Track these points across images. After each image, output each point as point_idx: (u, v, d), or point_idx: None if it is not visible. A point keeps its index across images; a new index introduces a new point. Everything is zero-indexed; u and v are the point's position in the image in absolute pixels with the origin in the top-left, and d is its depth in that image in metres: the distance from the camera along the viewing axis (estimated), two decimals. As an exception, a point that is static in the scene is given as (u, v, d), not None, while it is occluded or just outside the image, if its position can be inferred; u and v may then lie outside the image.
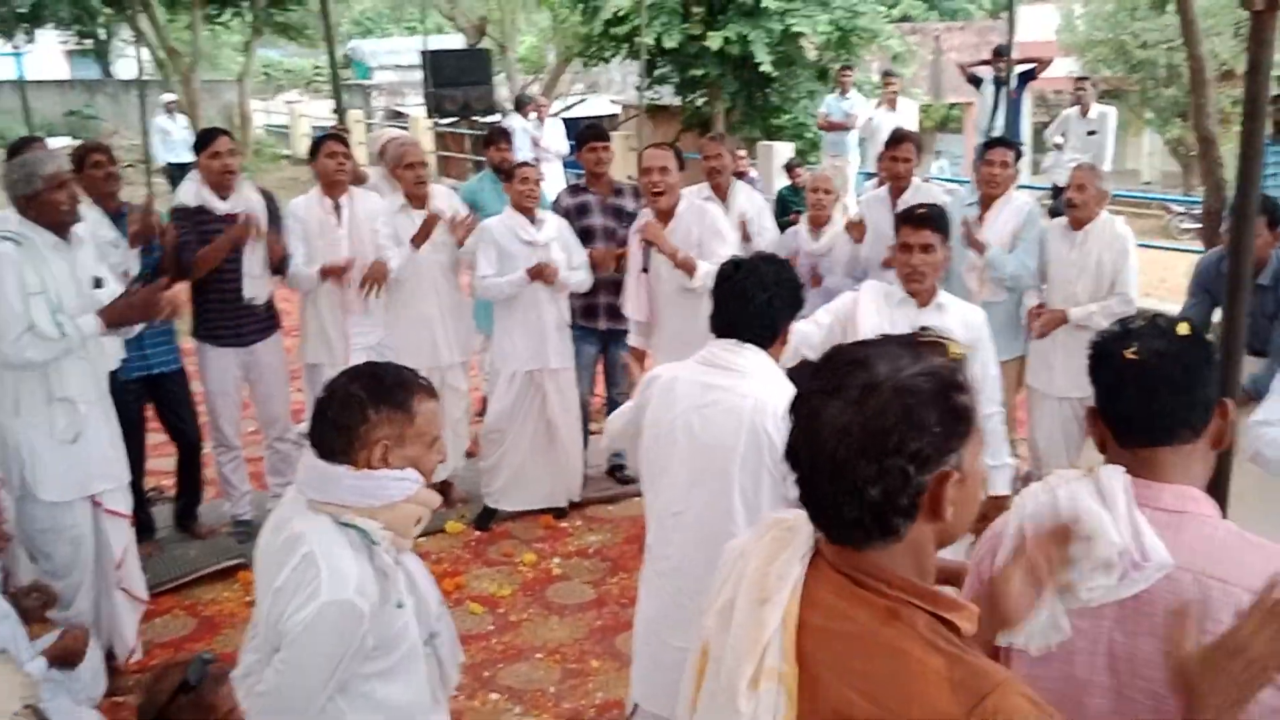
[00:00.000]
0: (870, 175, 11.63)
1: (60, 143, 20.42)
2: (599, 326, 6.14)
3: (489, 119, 17.03)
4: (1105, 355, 1.86)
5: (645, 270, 4.82)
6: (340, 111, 7.42)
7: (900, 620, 1.41)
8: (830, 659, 1.43)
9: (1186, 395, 1.81)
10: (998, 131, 10.39)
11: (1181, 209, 17.11)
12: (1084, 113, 10.81)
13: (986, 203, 5.50)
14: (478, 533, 5.82)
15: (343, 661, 2.16)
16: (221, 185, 5.28)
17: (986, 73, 10.76)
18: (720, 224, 5.01)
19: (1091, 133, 10.72)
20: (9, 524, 3.97)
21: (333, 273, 5.37)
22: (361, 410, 2.19)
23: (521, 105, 14.09)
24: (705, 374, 2.92)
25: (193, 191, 5.31)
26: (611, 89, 23.86)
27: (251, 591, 5.08)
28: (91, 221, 4.63)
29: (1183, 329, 1.83)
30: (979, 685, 1.36)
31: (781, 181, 10.89)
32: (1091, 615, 1.80)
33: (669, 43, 14.58)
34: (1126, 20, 20.96)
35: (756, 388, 2.82)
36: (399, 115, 24.07)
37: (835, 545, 1.48)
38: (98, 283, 4.12)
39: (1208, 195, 8.50)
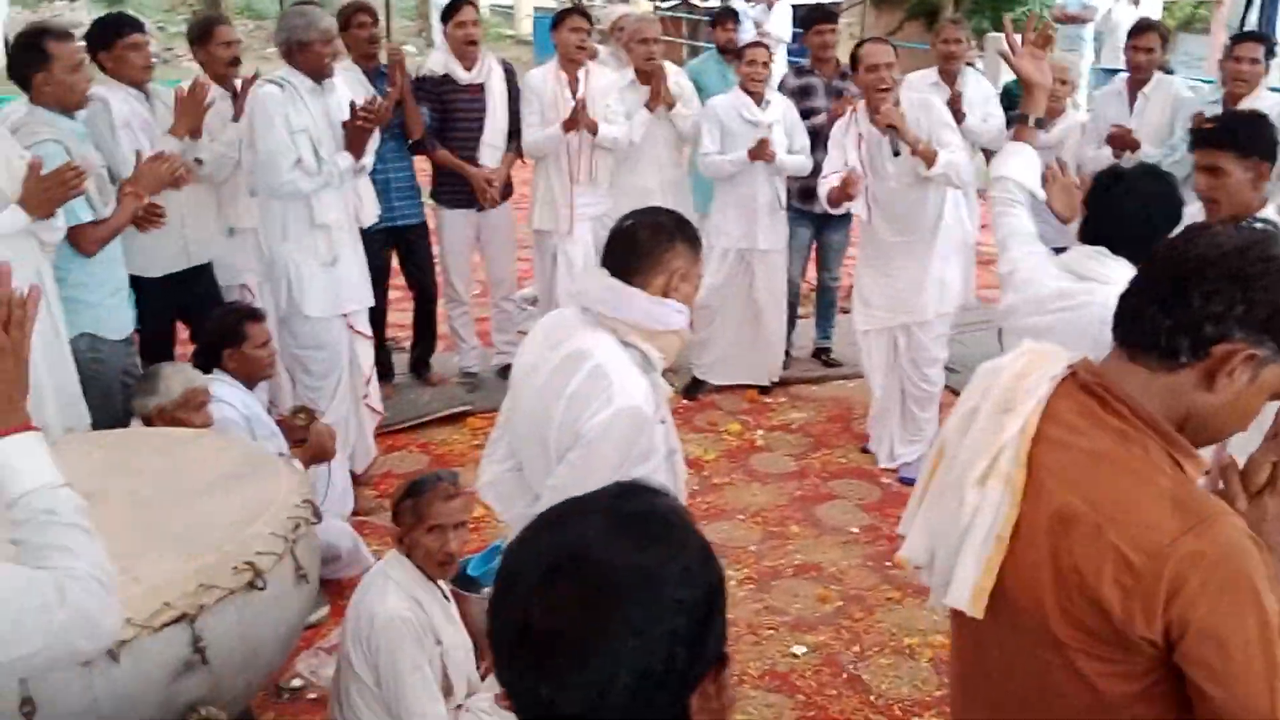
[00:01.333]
0: (1112, 72, 11.08)
1: (300, 15, 21.39)
2: (814, 210, 6.20)
3: (709, 3, 16.91)
4: None
5: (897, 154, 4.78)
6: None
7: (1134, 443, 1.53)
8: (1059, 468, 1.57)
9: None
10: (1250, 27, 9.74)
11: None
12: (1354, 10, 9.98)
13: (1232, 101, 5.24)
14: (685, 401, 6.07)
15: (625, 463, 2.44)
16: (465, 55, 5.58)
17: (1246, -36, 10.03)
18: (946, 115, 4.93)
19: (1361, 32, 9.91)
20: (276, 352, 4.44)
21: (572, 125, 5.54)
22: (669, 238, 2.46)
23: (744, -11, 13.93)
24: (1061, 280, 2.89)
25: (440, 60, 5.64)
26: (835, -25, 23.18)
27: (478, 436, 5.55)
28: (350, 80, 5.01)
29: None
30: (1200, 508, 1.47)
31: (1009, 75, 10.50)
32: None
33: (901, -77, 14.09)
34: None
35: (1108, 295, 2.78)
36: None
37: (1114, 362, 1.60)
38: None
39: None
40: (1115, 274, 2.77)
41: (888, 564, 4.52)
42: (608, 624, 1.02)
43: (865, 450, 5.50)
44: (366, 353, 4.78)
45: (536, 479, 2.59)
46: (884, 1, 15.65)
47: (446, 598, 3.16)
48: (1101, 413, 1.56)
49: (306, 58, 4.37)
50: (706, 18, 16.23)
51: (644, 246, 2.44)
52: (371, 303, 4.84)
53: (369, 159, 4.70)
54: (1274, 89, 5.86)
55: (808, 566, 4.51)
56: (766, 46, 5.95)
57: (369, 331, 4.82)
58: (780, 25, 13.11)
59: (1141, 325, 1.55)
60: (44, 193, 3.49)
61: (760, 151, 5.57)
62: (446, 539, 3.08)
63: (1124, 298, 1.60)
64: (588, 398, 2.37)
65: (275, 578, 2.76)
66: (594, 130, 5.56)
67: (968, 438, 1.68)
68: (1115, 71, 9.99)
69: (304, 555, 2.91)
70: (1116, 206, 2.89)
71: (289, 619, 2.90)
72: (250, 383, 4.19)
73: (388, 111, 4.72)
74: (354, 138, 4.47)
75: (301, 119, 4.34)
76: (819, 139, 5.85)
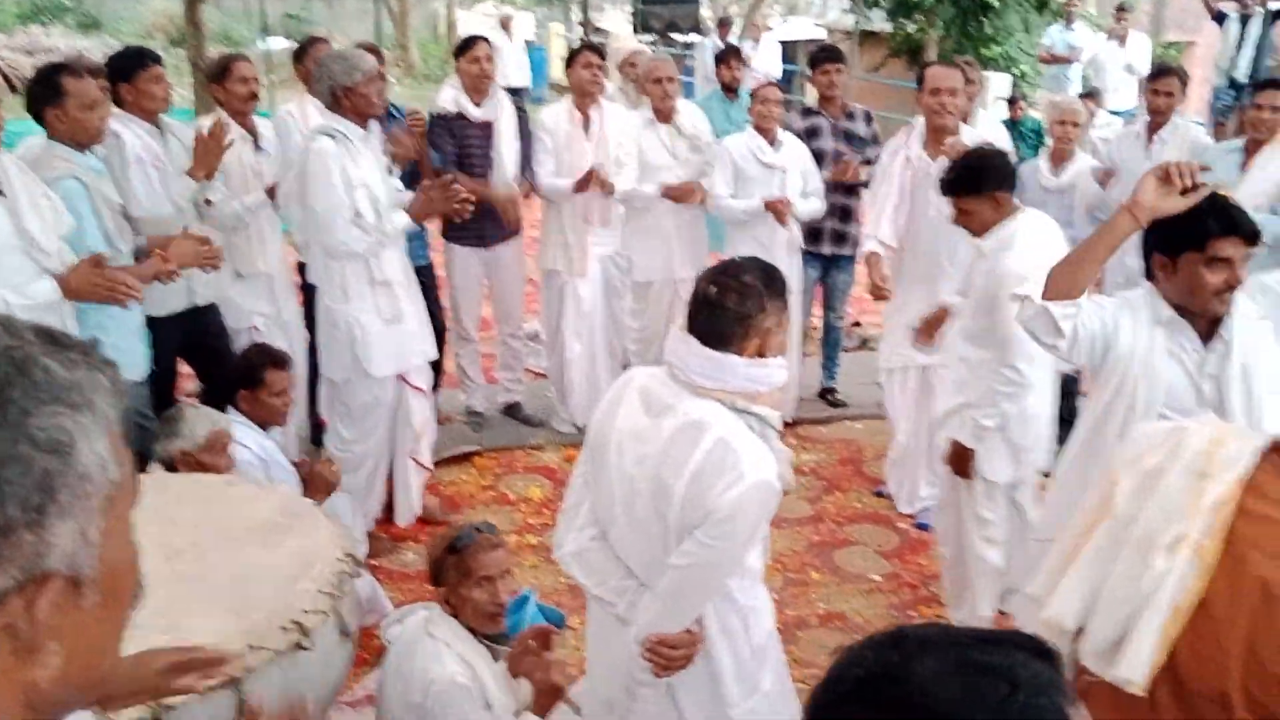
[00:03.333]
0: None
1: (278, 44, 21.32)
2: (822, 251, 6.17)
3: (689, 38, 16.98)
4: None
5: None
6: (586, 24, 7.56)
7: None
8: (1265, 541, 1.51)
9: None
10: (1240, 72, 9.85)
11: None
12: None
13: (1253, 149, 5.26)
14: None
15: (754, 537, 2.38)
16: (478, 90, 5.51)
17: (1232, 8, 10.16)
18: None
19: (1346, 77, 10.05)
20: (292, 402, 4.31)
21: (584, 186, 5.46)
22: (759, 300, 2.35)
23: (723, 25, 14.03)
24: None
25: (451, 97, 5.56)
26: (811, 11, 23.39)
27: (486, 476, 5.45)
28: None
29: None
30: None
31: (997, 114, 10.58)
32: None
33: (885, -40, 14.22)
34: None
35: None
36: (596, 30, 24.19)
37: None
38: (390, 170, 4.43)
39: None
40: None
41: (912, 613, 4.46)
42: None
43: (879, 494, 5.44)
44: (420, 407, 4.63)
45: (628, 549, 2.50)
46: (867, 39, 15.76)
47: (495, 657, 3.05)
48: None
49: (354, 102, 4.20)
50: (686, 51, 16.35)
51: (733, 313, 2.34)
52: (435, 356, 4.76)
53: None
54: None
55: (832, 616, 4.43)
56: (778, 86, 5.93)
57: (425, 385, 4.68)
58: (768, 61, 13.18)
59: None
60: (92, 287, 3.43)
61: (777, 211, 5.50)
62: (496, 590, 2.99)
63: None
64: (715, 473, 2.28)
65: (321, 637, 2.65)
66: (611, 192, 5.52)
67: (1154, 499, 1.62)
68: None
69: (347, 612, 2.80)
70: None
71: (332, 678, 2.79)
72: (262, 426, 4.09)
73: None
74: (423, 210, 4.41)
75: (359, 172, 4.19)
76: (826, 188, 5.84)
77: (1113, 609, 1.60)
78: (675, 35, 17.77)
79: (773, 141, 5.67)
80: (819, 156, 5.98)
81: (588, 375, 5.83)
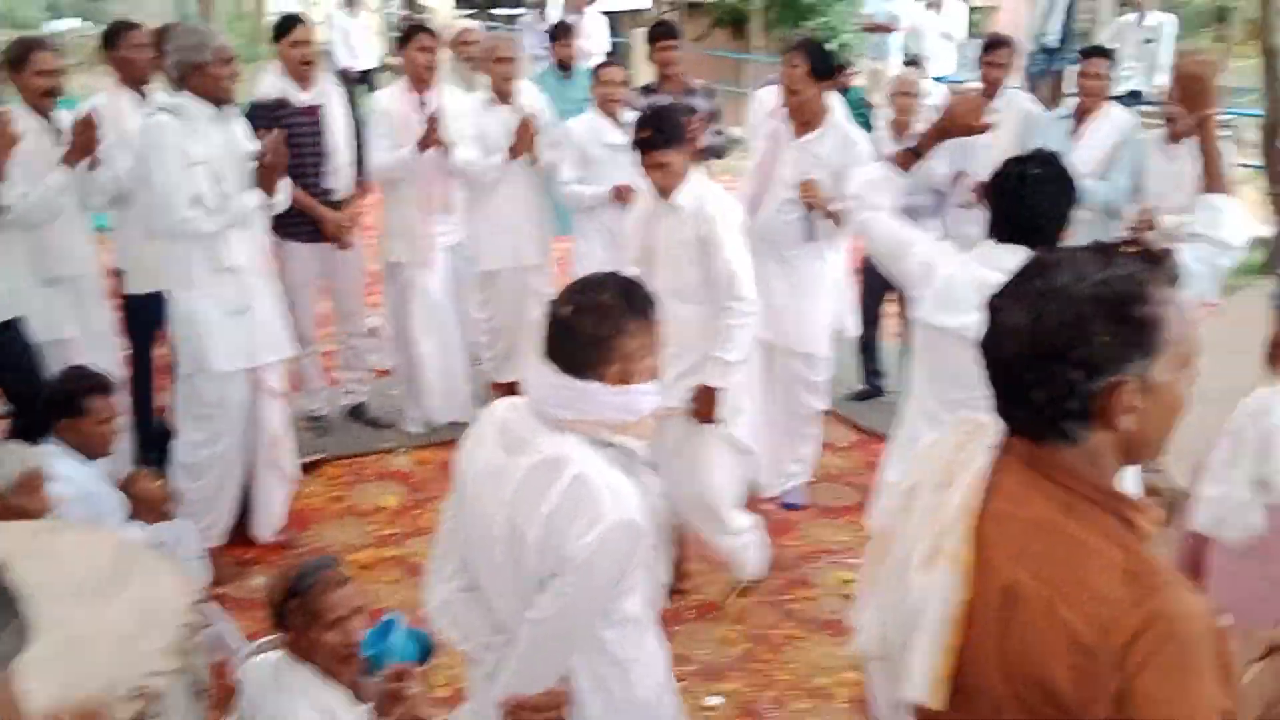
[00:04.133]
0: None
1: (70, 25, 19.95)
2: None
3: (514, 12, 16.67)
4: None
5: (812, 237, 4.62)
6: (413, 3, 7.22)
7: (1079, 512, 1.44)
8: (1005, 542, 1.47)
9: None
10: (1051, 37, 10.17)
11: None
12: (1140, 20, 10.57)
13: (1082, 115, 5.38)
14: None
15: (619, 583, 2.12)
16: (302, 75, 5.17)
17: (1041, -28, 10.47)
18: (867, 151, 4.53)
19: (1148, 41, 10.49)
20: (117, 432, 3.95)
21: (427, 144, 5.18)
22: (618, 321, 2.10)
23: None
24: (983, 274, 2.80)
25: (273, 83, 5.19)
26: (635, -18, 23.21)
27: (336, 486, 5.15)
28: None
29: None
30: (1153, 579, 1.38)
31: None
32: None
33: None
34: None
35: None
36: (415, 4, 23.50)
37: (1018, 438, 1.52)
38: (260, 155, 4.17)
39: (1270, 109, 8.39)
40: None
41: (787, 597, 4.41)
42: None
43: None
44: (275, 412, 4.30)
45: (499, 600, 2.23)
46: (692, 9, 15.75)
47: (358, 696, 2.80)
48: (1043, 481, 1.47)
49: (203, 81, 3.96)
50: (510, 26, 16.05)
51: (587, 337, 2.09)
52: (290, 353, 4.45)
53: (281, 196, 4.34)
54: (1118, 98, 6.07)
55: (707, 606, 4.34)
56: (620, 65, 5.77)
57: (280, 388, 4.35)
58: (596, 36, 12.93)
59: (1026, 428, 1.48)
60: None
61: (623, 194, 5.33)
62: (349, 631, 2.71)
63: (996, 403, 1.52)
64: (571, 515, 2.02)
65: (170, 701, 2.38)
66: (445, 150, 5.24)
67: (908, 518, 1.58)
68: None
69: (199, 668, 2.53)
70: (1019, 196, 2.92)
71: (185, 743, 2.52)
72: (89, 455, 3.73)
73: (284, 148, 4.25)
74: (266, 177, 4.11)
75: (199, 150, 3.92)
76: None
77: (896, 633, 1.59)
78: (496, 10, 17.43)
79: (617, 122, 5.50)
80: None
81: (442, 371, 5.58)
